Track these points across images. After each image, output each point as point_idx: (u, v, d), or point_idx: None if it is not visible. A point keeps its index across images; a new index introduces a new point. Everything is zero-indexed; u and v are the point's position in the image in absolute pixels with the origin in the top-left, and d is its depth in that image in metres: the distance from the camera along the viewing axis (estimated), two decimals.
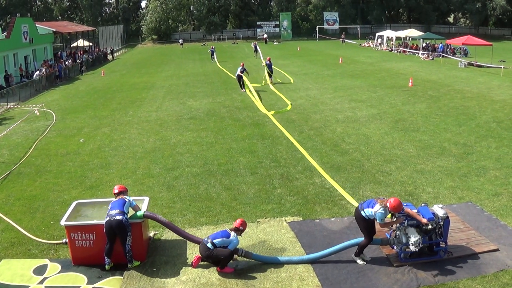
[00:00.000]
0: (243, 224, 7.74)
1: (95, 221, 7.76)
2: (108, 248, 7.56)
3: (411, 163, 12.13)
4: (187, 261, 7.80)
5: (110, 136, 16.14)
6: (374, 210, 7.23)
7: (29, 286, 7.24)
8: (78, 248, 7.70)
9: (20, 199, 10.71)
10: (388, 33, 50.51)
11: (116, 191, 7.92)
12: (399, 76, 27.71)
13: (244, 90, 23.56)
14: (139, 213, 7.79)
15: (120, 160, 13.39)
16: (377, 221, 7.28)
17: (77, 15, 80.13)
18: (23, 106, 22.95)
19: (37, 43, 36.91)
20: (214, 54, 41.81)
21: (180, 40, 67.13)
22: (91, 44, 55.78)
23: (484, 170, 11.45)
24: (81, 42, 54.26)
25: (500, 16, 69.79)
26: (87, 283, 7.27)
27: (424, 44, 42.47)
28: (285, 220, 9.15)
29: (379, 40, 51.57)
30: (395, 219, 7.46)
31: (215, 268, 7.48)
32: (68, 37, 52.54)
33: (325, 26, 70.90)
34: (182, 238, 8.14)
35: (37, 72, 30.97)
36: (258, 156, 13.14)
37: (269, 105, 19.89)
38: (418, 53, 40.85)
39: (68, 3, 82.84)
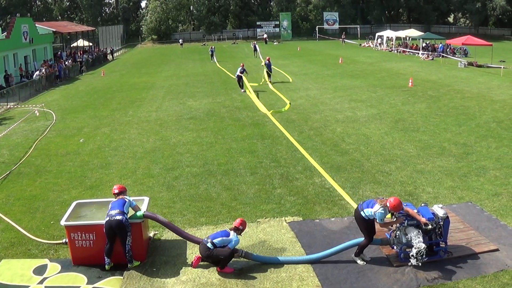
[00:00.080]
0: (243, 224, 7.74)
1: (95, 221, 7.76)
2: (108, 248, 7.56)
3: (411, 163, 12.14)
4: (187, 261, 7.80)
5: (110, 136, 16.14)
6: (373, 210, 7.23)
7: (29, 286, 7.24)
8: (78, 248, 7.70)
9: (20, 199, 10.71)
10: (388, 33, 50.51)
11: (116, 191, 7.92)
12: (399, 76, 27.72)
13: (244, 91, 23.56)
14: (139, 213, 7.79)
15: (120, 160, 13.39)
16: (377, 221, 7.28)
17: (77, 15, 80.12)
18: (23, 106, 22.95)
19: (37, 43, 36.91)
20: (214, 54, 41.92)
21: (180, 40, 67.15)
22: (91, 44, 55.79)
23: (484, 170, 11.45)
24: (81, 42, 54.25)
25: (500, 16, 69.81)
26: (87, 283, 7.27)
27: (424, 44, 42.48)
28: (285, 220, 9.15)
29: (379, 40, 51.57)
30: (395, 219, 7.47)
31: (215, 268, 7.48)
32: (68, 37, 52.54)
33: (325, 26, 70.92)
34: (182, 238, 8.14)
35: (37, 72, 30.97)
36: (258, 156, 13.14)
37: (269, 105, 19.88)
38: (418, 53, 40.86)
39: (68, 3, 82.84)
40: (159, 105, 21.52)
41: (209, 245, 7.40)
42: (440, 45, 41.17)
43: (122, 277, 7.40)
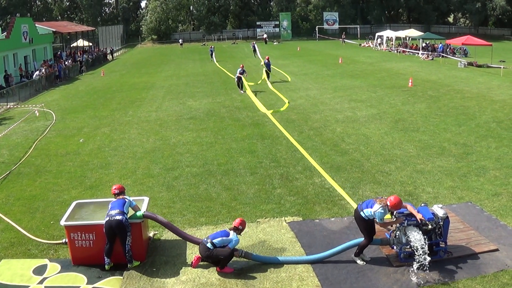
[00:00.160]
0: (242, 223, 7.74)
1: (95, 221, 7.76)
2: (108, 248, 7.56)
3: (411, 163, 12.14)
4: (187, 261, 7.80)
5: (110, 136, 16.14)
6: (373, 210, 7.22)
7: (28, 286, 7.24)
8: (77, 248, 7.70)
9: (20, 199, 10.70)
10: (388, 33, 50.51)
11: (116, 191, 7.92)
12: (399, 76, 27.72)
13: (243, 91, 23.55)
14: (138, 213, 7.79)
15: (120, 160, 13.39)
16: (377, 220, 7.28)
17: (77, 15, 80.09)
18: (23, 106, 22.94)
19: (37, 43, 36.90)
20: (213, 53, 41.99)
21: (180, 40, 67.15)
22: (91, 44, 55.78)
23: (484, 170, 11.45)
24: (80, 42, 54.25)
25: (500, 16, 69.82)
26: (87, 283, 7.27)
27: (424, 44, 42.48)
28: (285, 220, 9.15)
29: (379, 40, 51.57)
30: (394, 219, 7.47)
31: (215, 268, 7.48)
32: (68, 37, 52.53)
33: (325, 26, 70.92)
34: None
35: (37, 72, 30.96)
36: (258, 156, 13.14)
37: (269, 105, 19.87)
38: (418, 53, 40.87)
39: (68, 3, 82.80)
40: (159, 105, 21.52)
41: (209, 245, 7.40)
42: (440, 45, 41.18)
43: (122, 277, 7.40)
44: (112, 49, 55.48)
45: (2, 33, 35.81)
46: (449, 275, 7.14)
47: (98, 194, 10.75)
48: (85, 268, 7.64)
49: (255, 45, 43.40)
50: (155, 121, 18.10)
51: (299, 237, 8.46)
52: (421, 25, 67.40)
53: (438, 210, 7.58)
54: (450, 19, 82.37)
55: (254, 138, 15.05)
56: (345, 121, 16.93)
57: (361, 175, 11.37)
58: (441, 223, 7.49)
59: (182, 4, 73.17)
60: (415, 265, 7.11)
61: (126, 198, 7.80)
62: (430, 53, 39.73)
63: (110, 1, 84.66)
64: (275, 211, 9.59)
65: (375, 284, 7.01)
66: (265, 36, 66.08)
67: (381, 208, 7.16)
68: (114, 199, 7.84)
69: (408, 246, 7.33)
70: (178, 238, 8.26)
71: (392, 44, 48.31)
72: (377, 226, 7.56)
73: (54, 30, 42.90)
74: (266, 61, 27.36)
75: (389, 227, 7.75)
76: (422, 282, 6.97)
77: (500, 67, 28.96)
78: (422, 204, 7.88)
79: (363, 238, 7.51)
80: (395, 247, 7.68)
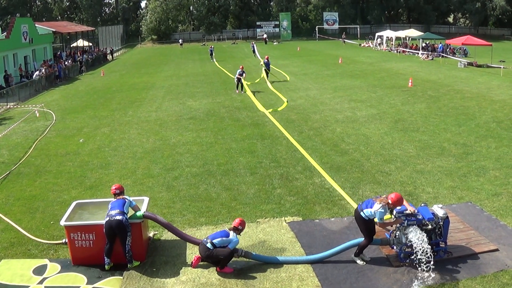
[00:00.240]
0: (242, 224, 7.73)
1: (95, 221, 7.76)
2: (108, 248, 7.56)
3: (411, 163, 12.14)
4: (187, 261, 7.80)
5: (109, 136, 16.14)
6: (373, 210, 7.22)
7: (28, 286, 7.24)
8: (77, 248, 7.70)
9: (19, 199, 10.70)
10: (387, 33, 50.53)
11: (116, 191, 7.92)
12: (399, 76, 27.73)
13: (243, 91, 23.55)
14: (138, 213, 7.78)
15: (120, 160, 13.39)
16: (377, 219, 7.27)
17: (76, 15, 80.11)
18: (22, 106, 22.93)
19: (36, 43, 36.89)
20: (213, 53, 42.08)
21: (180, 40, 67.17)
22: (90, 44, 55.79)
23: (484, 170, 11.45)
24: (80, 42, 54.26)
25: (500, 16, 69.84)
26: (87, 283, 7.27)
27: (423, 44, 42.50)
28: (285, 220, 9.15)
29: (379, 40, 51.59)
30: (394, 219, 7.47)
31: (215, 268, 7.48)
32: (68, 37, 52.51)
33: (325, 26, 70.96)
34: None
35: (37, 72, 30.96)
36: (257, 156, 13.14)
37: (268, 104, 19.89)
38: (418, 53, 40.88)
39: (67, 3, 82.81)
40: (159, 105, 21.52)
41: (208, 245, 7.40)
42: (440, 45, 41.19)
43: (122, 277, 7.40)
44: (112, 49, 55.49)
45: (2, 33, 35.81)
46: (449, 275, 7.14)
47: (98, 194, 10.75)
48: (85, 268, 7.64)
49: (254, 46, 43.44)
50: (155, 121, 18.10)
51: (299, 237, 8.45)
52: (421, 25, 67.43)
53: (438, 210, 7.58)
54: (450, 19, 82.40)
55: (254, 138, 15.05)
56: (345, 121, 16.93)
57: (361, 175, 11.37)
58: (441, 223, 7.49)
59: (182, 4, 73.18)
60: (418, 266, 7.10)
61: (126, 198, 7.80)
62: (430, 53, 39.75)
63: (110, 1, 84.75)
64: (275, 211, 9.59)
65: (375, 284, 7.01)
66: (265, 36, 66.11)
67: (381, 208, 7.16)
68: (114, 199, 7.84)
69: (408, 246, 7.34)
70: (178, 238, 8.25)
71: (392, 44, 48.32)
72: (377, 227, 7.56)
73: (54, 30, 42.90)
74: (266, 60, 27.43)
75: (388, 227, 7.76)
76: (422, 282, 6.97)
77: (500, 67, 28.97)
78: (422, 204, 7.89)
79: (363, 238, 7.52)
80: (395, 247, 7.68)
